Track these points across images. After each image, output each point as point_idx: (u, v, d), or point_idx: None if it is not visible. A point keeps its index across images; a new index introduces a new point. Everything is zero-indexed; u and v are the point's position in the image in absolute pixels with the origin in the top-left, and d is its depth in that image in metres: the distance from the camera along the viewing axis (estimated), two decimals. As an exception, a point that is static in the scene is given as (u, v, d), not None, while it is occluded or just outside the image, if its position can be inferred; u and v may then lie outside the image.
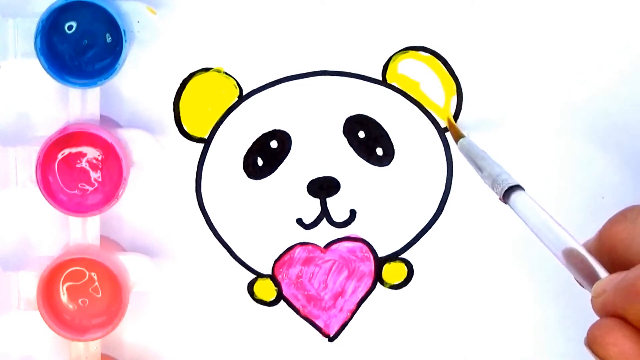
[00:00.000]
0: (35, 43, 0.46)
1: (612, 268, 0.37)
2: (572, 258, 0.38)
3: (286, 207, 0.49)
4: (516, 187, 0.41)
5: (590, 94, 0.49)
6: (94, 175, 0.47)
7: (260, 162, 0.49)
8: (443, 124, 0.49)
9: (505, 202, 0.41)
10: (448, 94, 0.49)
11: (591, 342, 0.35)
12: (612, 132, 0.49)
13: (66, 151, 0.47)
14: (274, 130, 0.49)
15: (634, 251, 0.38)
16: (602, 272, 0.37)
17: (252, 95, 0.49)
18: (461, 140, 0.46)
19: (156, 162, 0.48)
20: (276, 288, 0.49)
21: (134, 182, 0.48)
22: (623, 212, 0.39)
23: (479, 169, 0.44)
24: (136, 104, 0.48)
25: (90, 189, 0.47)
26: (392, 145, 0.49)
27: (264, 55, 0.48)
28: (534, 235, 0.39)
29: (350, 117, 0.49)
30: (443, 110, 0.49)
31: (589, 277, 0.37)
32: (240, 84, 0.49)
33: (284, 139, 0.49)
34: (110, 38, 0.47)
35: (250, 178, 0.49)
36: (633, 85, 0.49)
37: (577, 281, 0.38)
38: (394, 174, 0.49)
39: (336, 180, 0.49)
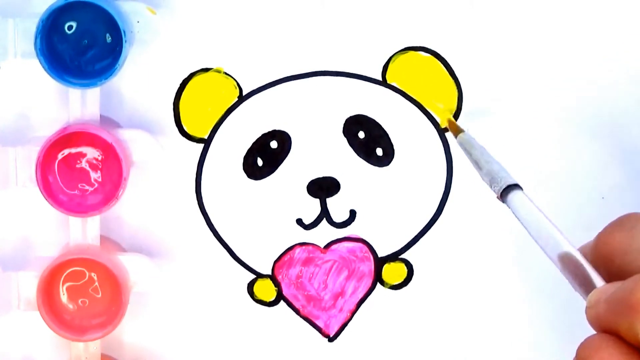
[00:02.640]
0: (35, 43, 0.46)
1: (608, 277, 0.36)
2: (567, 263, 0.37)
3: (286, 207, 0.49)
4: (514, 187, 0.40)
5: (592, 94, 0.49)
6: (94, 175, 0.47)
7: (260, 162, 0.49)
8: (443, 124, 0.49)
9: (503, 201, 0.40)
10: (448, 94, 0.49)
11: None
12: (613, 132, 0.49)
13: (66, 151, 0.47)
14: (274, 131, 0.49)
15: (630, 261, 0.36)
16: (598, 281, 0.36)
17: (252, 95, 0.49)
18: (460, 135, 0.45)
19: (156, 162, 0.48)
20: (276, 288, 0.49)
21: (134, 182, 0.48)
22: (620, 220, 0.38)
23: (478, 165, 0.43)
24: (136, 104, 0.48)
25: (90, 189, 0.47)
26: (392, 145, 0.49)
27: (264, 56, 0.48)
28: (531, 237, 0.39)
29: (350, 117, 0.49)
30: (443, 110, 0.49)
31: (585, 285, 0.36)
32: (240, 84, 0.49)
33: (284, 139, 0.49)
34: (110, 38, 0.47)
35: (250, 178, 0.49)
36: (636, 85, 0.49)
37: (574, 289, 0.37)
38: (394, 174, 0.49)
39: (336, 180, 0.49)
